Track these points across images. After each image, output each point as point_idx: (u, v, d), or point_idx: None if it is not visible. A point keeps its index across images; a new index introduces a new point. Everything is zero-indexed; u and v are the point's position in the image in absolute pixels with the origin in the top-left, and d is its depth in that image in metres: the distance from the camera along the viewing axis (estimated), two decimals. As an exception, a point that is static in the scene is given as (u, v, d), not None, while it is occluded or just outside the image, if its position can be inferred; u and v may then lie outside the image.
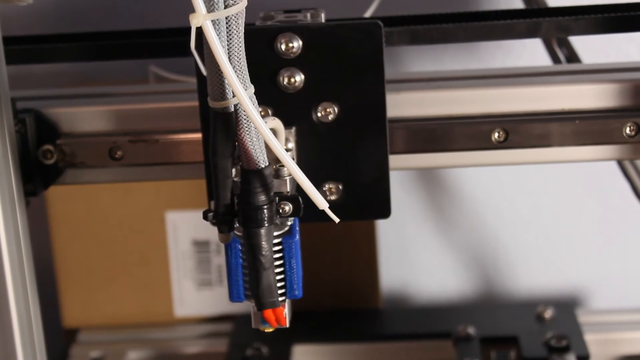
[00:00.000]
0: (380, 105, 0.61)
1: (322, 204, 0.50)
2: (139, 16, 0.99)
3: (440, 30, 0.65)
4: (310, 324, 0.94)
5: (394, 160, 0.64)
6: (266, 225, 0.53)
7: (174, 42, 0.68)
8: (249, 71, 0.51)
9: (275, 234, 0.55)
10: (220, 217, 0.53)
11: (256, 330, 0.57)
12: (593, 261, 1.07)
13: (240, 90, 0.48)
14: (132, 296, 0.98)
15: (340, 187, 0.62)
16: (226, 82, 0.50)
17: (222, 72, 0.49)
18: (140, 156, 0.67)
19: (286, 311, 0.56)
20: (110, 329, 0.98)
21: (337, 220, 0.51)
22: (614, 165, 0.90)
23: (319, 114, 0.61)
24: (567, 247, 1.06)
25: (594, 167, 1.02)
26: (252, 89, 0.51)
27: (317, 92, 0.61)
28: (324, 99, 0.61)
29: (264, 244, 0.53)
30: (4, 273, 0.59)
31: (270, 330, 0.56)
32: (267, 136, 0.49)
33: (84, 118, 0.67)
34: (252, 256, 0.53)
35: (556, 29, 0.65)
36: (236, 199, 0.53)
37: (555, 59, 0.83)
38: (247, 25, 0.50)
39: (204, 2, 0.46)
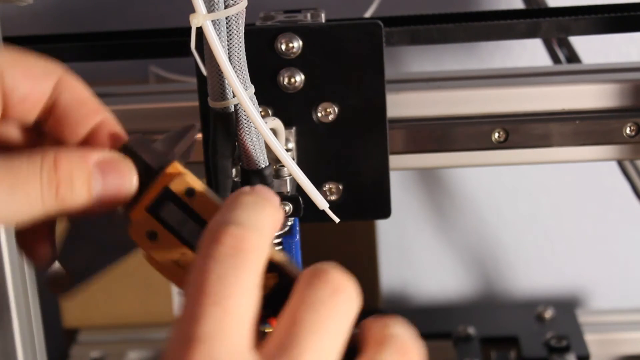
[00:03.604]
0: (380, 105, 0.61)
1: (322, 204, 0.50)
2: (139, 16, 0.99)
3: (440, 30, 0.65)
4: (310, 324, 0.94)
5: (394, 160, 0.64)
6: (266, 225, 0.52)
7: (174, 42, 0.68)
8: (249, 71, 0.51)
9: (276, 234, 0.55)
10: (220, 217, 0.53)
11: (256, 330, 0.57)
12: (593, 261, 1.07)
13: (241, 91, 0.48)
14: (132, 296, 0.97)
15: (340, 187, 0.62)
16: (226, 82, 0.50)
17: (222, 72, 0.49)
18: (140, 156, 0.67)
19: (286, 311, 0.56)
20: (110, 329, 0.97)
21: (337, 220, 0.51)
22: (614, 165, 0.90)
23: (319, 114, 0.61)
24: (567, 247, 1.06)
25: (594, 167, 1.02)
26: (252, 89, 0.51)
27: (317, 92, 0.61)
28: (324, 99, 0.61)
29: (264, 244, 0.53)
30: (4, 273, 0.59)
31: (271, 330, 0.56)
32: (267, 136, 0.49)
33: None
34: (252, 256, 0.53)
35: (556, 29, 0.65)
36: (236, 199, 0.53)
37: (555, 59, 0.83)
38: (247, 25, 0.50)
39: (204, 2, 0.46)
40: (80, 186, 0.40)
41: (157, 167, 0.42)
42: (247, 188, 0.40)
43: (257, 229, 0.38)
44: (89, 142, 0.43)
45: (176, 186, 0.41)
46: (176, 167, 0.42)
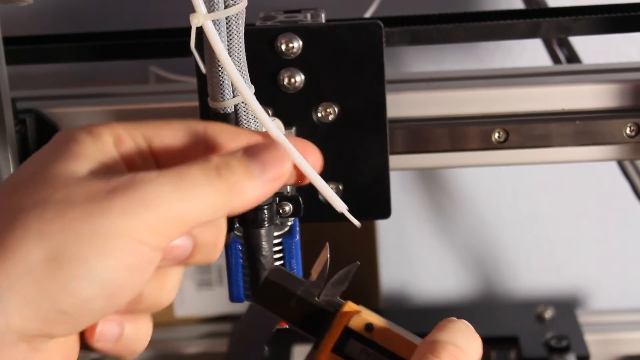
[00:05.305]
0: (380, 105, 0.61)
1: (340, 206, 0.50)
2: (139, 16, 0.99)
3: (440, 30, 0.65)
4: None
5: (394, 160, 0.64)
6: (266, 225, 0.53)
7: (174, 42, 0.68)
8: (249, 71, 0.51)
9: (276, 234, 0.55)
10: (220, 217, 0.53)
11: (256, 330, 0.57)
12: (593, 261, 1.07)
13: (244, 89, 0.47)
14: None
15: (340, 187, 0.62)
16: (226, 82, 0.50)
17: (222, 72, 0.48)
18: (140, 156, 0.67)
19: (286, 311, 0.56)
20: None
21: (358, 224, 0.51)
22: (614, 165, 0.90)
23: (319, 114, 0.61)
24: (567, 247, 1.06)
25: (594, 167, 1.02)
26: (252, 89, 0.51)
27: (317, 92, 0.61)
28: (324, 99, 0.61)
29: (264, 244, 0.53)
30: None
31: (270, 330, 0.56)
32: (275, 135, 0.48)
33: (84, 118, 0.67)
34: (252, 257, 0.53)
35: (556, 29, 0.65)
36: (236, 199, 0.53)
37: (555, 59, 0.83)
38: (247, 25, 0.50)
39: (204, 2, 0.46)
40: (241, 172, 0.42)
41: (334, 309, 0.46)
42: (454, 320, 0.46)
43: (470, 354, 0.44)
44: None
45: (356, 324, 0.46)
46: (351, 305, 0.46)
